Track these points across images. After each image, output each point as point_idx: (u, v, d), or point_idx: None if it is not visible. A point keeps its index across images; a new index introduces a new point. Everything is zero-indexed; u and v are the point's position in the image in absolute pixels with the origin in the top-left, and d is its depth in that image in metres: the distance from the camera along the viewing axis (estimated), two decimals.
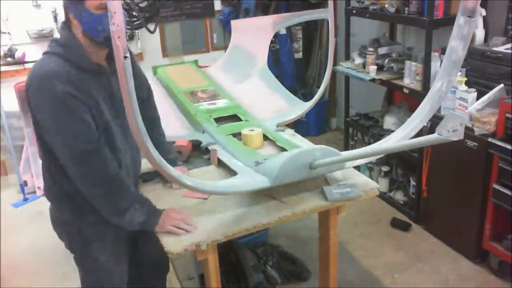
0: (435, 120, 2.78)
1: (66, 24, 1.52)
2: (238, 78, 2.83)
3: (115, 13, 1.05)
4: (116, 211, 1.55)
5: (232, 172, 1.85)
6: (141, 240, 1.90)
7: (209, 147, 2.09)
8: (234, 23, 3.02)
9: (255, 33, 2.89)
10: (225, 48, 4.69)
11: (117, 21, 1.06)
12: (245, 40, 2.92)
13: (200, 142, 2.15)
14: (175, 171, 1.41)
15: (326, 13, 2.48)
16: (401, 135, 1.79)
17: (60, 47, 1.50)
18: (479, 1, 1.53)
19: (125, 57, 1.09)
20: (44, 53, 1.53)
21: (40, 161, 3.82)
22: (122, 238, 1.77)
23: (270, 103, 2.59)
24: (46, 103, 1.43)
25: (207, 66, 3.15)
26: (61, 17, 4.03)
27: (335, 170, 1.81)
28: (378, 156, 1.88)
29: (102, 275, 1.75)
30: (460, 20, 1.57)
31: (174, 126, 2.37)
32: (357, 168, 2.96)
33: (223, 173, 1.93)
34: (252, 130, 2.05)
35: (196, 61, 3.15)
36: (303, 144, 2.14)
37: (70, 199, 1.62)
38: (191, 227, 1.58)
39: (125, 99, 1.14)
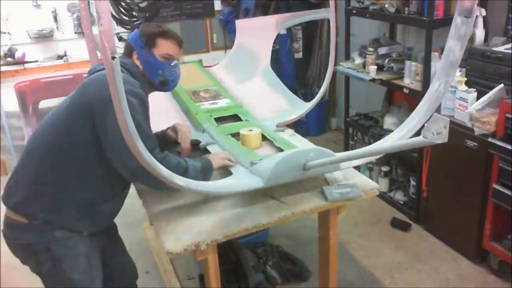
0: None
1: (128, 56, 1.75)
2: (241, 78, 2.83)
3: (102, 14, 1.05)
4: (181, 170, 1.63)
5: (229, 172, 1.85)
6: (107, 253, 1.84)
7: (207, 147, 2.09)
8: (238, 23, 3.02)
9: (258, 33, 2.90)
10: (225, 48, 4.70)
11: (105, 22, 1.06)
12: (248, 40, 2.93)
13: (200, 142, 2.15)
14: (166, 171, 1.40)
15: (327, 13, 2.48)
16: (398, 136, 1.79)
17: (126, 71, 1.67)
18: (476, 1, 1.52)
19: (113, 58, 1.09)
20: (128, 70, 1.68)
21: None
22: (94, 250, 1.71)
23: (271, 103, 2.59)
24: (134, 104, 1.54)
25: (211, 66, 3.16)
26: (62, 17, 4.05)
27: (329, 171, 1.81)
28: (373, 157, 1.88)
29: None
30: (457, 20, 1.57)
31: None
32: (357, 168, 2.96)
33: (220, 173, 1.93)
34: (251, 130, 2.05)
35: (200, 61, 3.16)
36: (302, 144, 2.14)
37: (35, 216, 1.57)
38: (234, 163, 1.85)
39: (114, 98, 1.14)
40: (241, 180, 1.72)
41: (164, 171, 1.38)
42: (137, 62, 1.72)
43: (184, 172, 1.63)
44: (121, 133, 1.23)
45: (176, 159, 1.67)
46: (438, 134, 1.13)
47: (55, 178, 1.59)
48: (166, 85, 1.78)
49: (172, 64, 1.76)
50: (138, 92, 1.59)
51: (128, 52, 1.74)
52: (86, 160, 1.59)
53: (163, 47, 1.74)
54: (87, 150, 1.58)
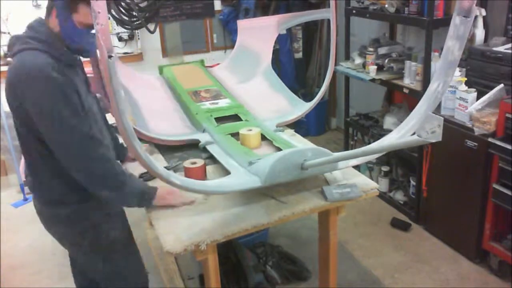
0: None
1: (45, 20, 1.56)
2: (243, 77, 2.83)
3: (99, 12, 1.05)
4: (117, 183, 1.56)
5: (227, 172, 1.85)
6: None
7: (206, 146, 2.10)
8: (240, 23, 3.03)
9: (260, 33, 2.90)
10: (225, 48, 4.70)
11: (102, 21, 1.06)
12: (250, 40, 2.93)
13: (199, 141, 2.15)
14: (163, 169, 1.40)
15: (328, 13, 2.49)
16: (397, 136, 1.79)
17: (43, 43, 1.51)
18: (475, 1, 1.52)
19: (110, 57, 1.09)
20: (23, 50, 1.51)
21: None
22: (123, 209, 1.89)
23: (272, 103, 2.59)
24: (44, 92, 1.44)
25: (212, 66, 3.16)
26: None
27: (327, 171, 1.81)
28: (371, 157, 1.88)
29: (120, 253, 1.80)
30: (456, 20, 1.57)
31: (176, 125, 2.37)
32: (357, 168, 2.96)
33: (219, 173, 1.93)
34: (250, 130, 2.05)
35: (202, 61, 3.15)
36: (302, 144, 2.14)
37: (71, 190, 1.63)
38: (187, 200, 1.70)
39: (111, 98, 1.14)
40: (239, 179, 1.72)
41: (161, 170, 1.37)
42: (53, 22, 1.54)
43: (118, 185, 1.56)
44: (48, 115, 1.39)
45: (117, 169, 1.57)
46: (433, 133, 1.13)
47: (56, 166, 1.58)
48: (81, 53, 1.63)
49: (92, 32, 1.55)
50: (48, 76, 1.44)
51: (48, 9, 1.55)
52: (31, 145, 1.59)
53: (85, 15, 1.50)
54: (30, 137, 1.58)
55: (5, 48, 3.81)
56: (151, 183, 1.74)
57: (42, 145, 1.55)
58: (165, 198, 1.67)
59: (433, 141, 1.15)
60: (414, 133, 1.32)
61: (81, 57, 1.68)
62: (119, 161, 1.86)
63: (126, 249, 1.84)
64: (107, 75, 1.10)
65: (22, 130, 1.57)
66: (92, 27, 1.52)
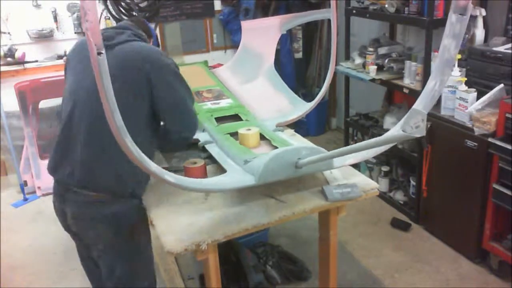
0: (434, 120, 2.78)
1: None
2: (245, 78, 2.84)
3: (88, 10, 1.05)
4: (194, 130, 1.91)
5: (223, 171, 1.86)
6: None
7: (205, 146, 2.10)
8: (243, 24, 3.03)
9: (263, 34, 2.90)
10: (225, 48, 4.70)
11: (91, 18, 1.06)
12: (253, 40, 2.94)
13: (199, 141, 2.16)
14: (156, 167, 1.40)
15: (329, 13, 2.49)
16: (391, 133, 1.79)
17: (142, 39, 1.82)
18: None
19: (100, 54, 1.09)
20: (133, 40, 1.76)
21: (41, 161, 3.80)
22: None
23: (273, 103, 2.60)
24: (172, 70, 1.74)
25: (213, 66, 3.16)
26: (62, 17, 4.04)
27: (323, 169, 1.81)
28: (368, 156, 1.88)
29: (145, 255, 1.88)
30: (452, 18, 1.56)
31: None
32: (357, 168, 2.94)
33: (219, 172, 1.93)
34: (249, 129, 2.05)
35: (206, 62, 3.16)
36: (300, 144, 2.14)
37: (124, 192, 1.71)
38: None
39: (102, 95, 1.14)
40: (234, 177, 1.72)
41: (152, 167, 1.37)
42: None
43: (195, 130, 1.91)
44: (185, 96, 1.76)
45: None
46: (417, 127, 1.13)
47: (116, 149, 1.58)
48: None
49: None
50: (169, 58, 1.79)
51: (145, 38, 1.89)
52: (141, 128, 1.71)
53: None
54: (141, 117, 1.70)
55: (5, 48, 3.81)
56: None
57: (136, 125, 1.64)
58: None
59: (418, 135, 1.15)
60: (430, 132, 1.33)
61: None
62: None
63: (147, 253, 1.88)
64: (96, 72, 1.11)
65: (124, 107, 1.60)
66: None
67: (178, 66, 1.81)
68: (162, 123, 1.84)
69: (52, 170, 1.75)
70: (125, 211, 1.72)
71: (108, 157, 1.65)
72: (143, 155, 1.34)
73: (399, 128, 1.74)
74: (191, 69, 3.06)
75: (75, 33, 4.10)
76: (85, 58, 1.68)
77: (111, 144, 1.54)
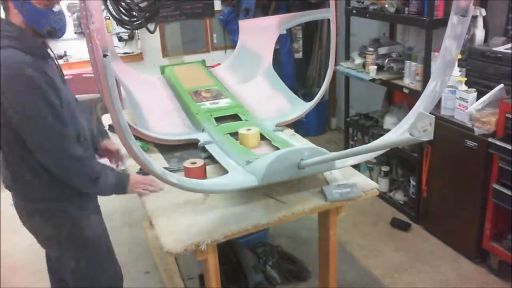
0: (435, 120, 2.78)
1: (6, 16, 1.55)
2: (244, 78, 2.84)
3: (94, 12, 1.05)
4: (90, 179, 1.63)
5: (224, 171, 1.86)
6: None
7: (205, 146, 2.10)
8: (241, 23, 3.03)
9: (261, 33, 2.91)
10: (225, 48, 4.70)
11: (97, 20, 1.06)
12: (251, 40, 2.94)
13: (199, 141, 2.16)
14: (159, 168, 1.40)
15: (328, 13, 2.49)
16: (395, 135, 1.79)
17: (13, 40, 1.50)
18: (472, 0, 1.52)
19: (105, 56, 1.09)
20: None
21: None
22: (98, 205, 1.89)
23: (272, 103, 2.60)
24: (20, 90, 1.46)
25: (213, 66, 3.16)
26: None
27: (324, 170, 1.81)
28: (368, 156, 1.88)
29: (95, 250, 1.80)
30: (453, 19, 1.57)
31: (176, 125, 2.37)
32: (357, 168, 2.94)
33: (219, 173, 1.93)
34: (249, 129, 2.05)
35: (203, 61, 3.16)
36: (299, 143, 2.14)
37: (49, 187, 1.66)
38: (157, 187, 1.80)
39: (106, 97, 1.14)
40: (236, 178, 1.72)
41: (156, 169, 1.38)
42: (15, 16, 1.52)
43: (93, 181, 1.63)
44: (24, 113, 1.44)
45: (91, 166, 1.63)
46: (424, 131, 1.13)
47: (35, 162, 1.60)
48: (54, 34, 1.59)
49: (55, 10, 1.56)
50: (23, 74, 1.45)
51: (4, 5, 1.54)
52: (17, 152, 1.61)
53: None
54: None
55: None
56: None
57: (21, 143, 1.56)
58: (136, 187, 1.78)
59: (425, 139, 1.15)
60: None
61: (65, 55, 1.73)
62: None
63: (100, 248, 1.83)
64: (102, 73, 1.11)
65: (1, 128, 1.58)
66: (52, 5, 1.54)
67: (38, 83, 1.48)
68: None
69: None
70: (58, 205, 1.70)
71: (22, 165, 1.64)
72: (146, 156, 1.34)
73: (404, 131, 1.74)
74: (189, 68, 3.06)
75: (75, 33, 4.10)
76: None
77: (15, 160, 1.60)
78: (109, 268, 1.87)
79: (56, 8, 1.56)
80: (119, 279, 1.93)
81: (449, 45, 1.61)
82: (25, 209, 1.74)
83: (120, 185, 1.72)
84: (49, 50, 1.66)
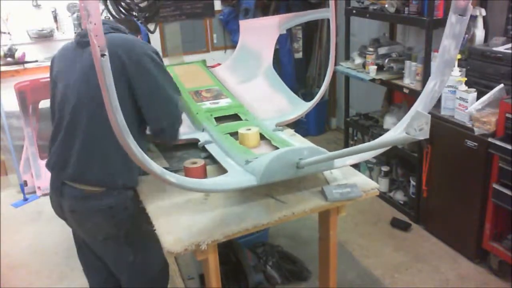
0: (434, 120, 2.78)
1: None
2: (244, 77, 2.84)
3: (91, 12, 1.06)
4: (179, 124, 1.90)
5: (224, 171, 1.86)
6: None
7: (205, 146, 2.10)
8: (242, 23, 3.03)
9: (261, 33, 2.91)
10: (225, 48, 4.70)
11: (94, 20, 1.06)
12: (251, 40, 2.94)
13: (199, 141, 2.16)
14: (158, 167, 1.40)
15: (328, 13, 2.49)
16: (394, 135, 1.79)
17: (120, 31, 1.81)
18: (471, 0, 1.52)
19: (103, 55, 1.10)
20: (115, 31, 1.78)
21: (40, 161, 3.79)
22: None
23: (272, 103, 2.60)
24: (149, 57, 1.70)
25: (213, 66, 3.16)
26: (62, 17, 4.05)
27: (323, 169, 1.81)
28: (368, 156, 1.88)
29: (152, 246, 1.89)
30: (452, 18, 1.56)
31: None
32: (357, 168, 2.94)
33: (219, 172, 1.93)
34: (249, 129, 2.05)
35: (204, 61, 3.16)
36: (302, 144, 2.14)
37: (115, 183, 1.72)
38: None
39: (104, 96, 1.15)
40: (235, 178, 1.72)
41: (156, 168, 1.37)
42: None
43: (180, 123, 1.89)
44: (164, 84, 1.72)
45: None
46: (420, 130, 1.13)
47: (109, 142, 1.62)
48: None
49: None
50: (150, 47, 1.76)
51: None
52: (127, 118, 1.65)
53: None
54: (125, 108, 1.63)
55: (5, 48, 3.81)
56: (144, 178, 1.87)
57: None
58: None
59: (421, 138, 1.15)
60: (431, 132, 1.33)
61: None
62: None
63: (157, 242, 1.86)
64: (100, 73, 1.11)
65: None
66: None
67: (161, 57, 1.79)
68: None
69: (49, 165, 1.79)
70: (120, 203, 1.74)
71: (99, 152, 1.69)
72: (145, 155, 1.34)
73: (402, 130, 1.74)
74: (189, 68, 3.05)
75: (75, 33, 4.10)
76: (78, 60, 1.72)
77: (103, 139, 1.64)
78: (161, 260, 1.96)
79: None
80: (167, 272, 2.03)
81: (448, 45, 1.61)
82: (85, 207, 1.74)
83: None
84: None
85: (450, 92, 2.67)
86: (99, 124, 1.64)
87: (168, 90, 1.76)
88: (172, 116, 1.82)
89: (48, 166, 1.80)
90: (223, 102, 2.47)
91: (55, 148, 1.77)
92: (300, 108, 2.51)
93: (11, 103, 3.70)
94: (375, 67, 3.33)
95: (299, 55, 4.88)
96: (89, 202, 1.72)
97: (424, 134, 1.14)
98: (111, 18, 3.95)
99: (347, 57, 3.75)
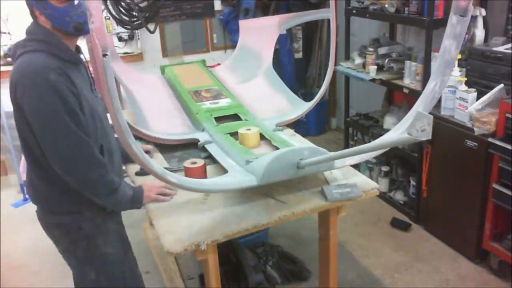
0: (434, 120, 2.78)
1: (35, 20, 1.54)
2: (244, 77, 2.84)
3: (94, 12, 1.06)
4: (109, 190, 1.58)
5: (224, 170, 1.86)
6: None
7: (205, 146, 2.10)
8: (241, 23, 3.04)
9: (261, 33, 2.91)
10: (225, 48, 4.70)
11: (96, 20, 1.07)
12: (251, 40, 2.94)
13: (199, 141, 2.16)
14: (159, 167, 1.40)
15: (328, 13, 2.49)
16: (394, 135, 1.79)
17: (41, 43, 1.51)
18: (471, 1, 1.52)
19: (105, 55, 1.09)
20: (23, 53, 1.52)
21: None
22: (121, 224, 1.83)
23: (272, 103, 2.60)
24: (40, 95, 1.44)
25: (213, 66, 3.17)
26: None
27: (324, 169, 1.81)
28: (368, 156, 1.88)
29: (113, 268, 1.76)
30: (452, 19, 1.57)
31: (176, 124, 2.37)
32: (357, 168, 2.94)
33: (219, 172, 1.93)
34: (249, 129, 2.05)
35: (203, 61, 3.16)
36: (302, 144, 2.14)
37: (63, 199, 1.63)
38: (173, 191, 1.76)
39: (106, 96, 1.15)
40: (236, 178, 1.72)
41: (156, 168, 1.38)
42: (42, 19, 1.52)
43: (111, 192, 1.58)
44: (41, 119, 1.42)
45: (110, 176, 1.58)
46: (423, 131, 1.13)
47: (34, 172, 1.62)
48: (81, 29, 1.53)
49: (75, 3, 1.50)
50: (44, 79, 1.44)
51: (31, 12, 1.54)
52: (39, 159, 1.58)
53: None
54: (34, 147, 1.57)
55: (5, 48, 3.81)
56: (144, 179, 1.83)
57: (38, 151, 1.55)
58: (149, 196, 1.73)
59: (423, 139, 1.15)
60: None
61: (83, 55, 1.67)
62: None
63: (121, 263, 1.79)
64: (101, 73, 1.11)
65: (21, 133, 1.58)
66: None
67: (60, 89, 1.46)
68: None
69: None
70: (72, 222, 1.67)
71: (34, 177, 1.65)
72: (146, 156, 1.35)
73: (404, 131, 1.74)
74: (189, 68, 3.06)
75: None
76: None
77: (31, 168, 1.60)
78: (131, 285, 1.83)
79: (75, 2, 1.50)
80: None
81: (449, 45, 1.61)
82: (45, 221, 1.74)
83: (137, 197, 1.68)
84: (82, 56, 1.64)
85: (450, 92, 2.67)
86: (25, 153, 1.61)
87: (59, 136, 1.48)
88: (78, 175, 1.54)
89: None
90: (223, 102, 2.47)
91: None
92: (300, 108, 2.51)
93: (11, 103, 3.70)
94: (375, 67, 3.33)
95: (299, 55, 4.87)
96: (47, 215, 1.72)
97: (426, 135, 1.14)
98: (111, 18, 3.96)
99: (347, 57, 3.75)
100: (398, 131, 1.80)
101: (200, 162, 1.87)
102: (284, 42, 4.64)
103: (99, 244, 1.70)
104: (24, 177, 3.83)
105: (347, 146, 4.01)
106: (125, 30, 4.13)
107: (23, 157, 3.81)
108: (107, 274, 1.75)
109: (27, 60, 1.48)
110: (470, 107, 2.56)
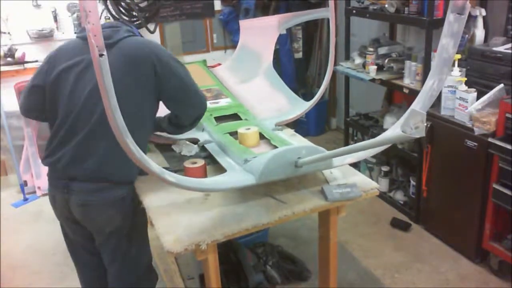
0: (434, 120, 2.78)
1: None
2: (244, 77, 2.84)
3: (90, 11, 1.06)
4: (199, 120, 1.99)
5: (222, 170, 1.86)
6: None
7: (205, 145, 2.10)
8: (242, 23, 3.04)
9: (261, 33, 2.91)
10: (225, 48, 4.70)
11: (93, 20, 1.07)
12: (251, 40, 2.94)
13: (198, 140, 2.16)
14: (157, 166, 1.40)
15: (328, 12, 2.49)
16: (391, 133, 1.79)
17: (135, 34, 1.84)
18: None
19: (101, 55, 1.10)
20: (130, 36, 1.80)
21: (41, 161, 3.81)
22: None
23: (272, 103, 2.60)
24: (174, 58, 1.82)
25: (213, 66, 3.17)
26: (62, 17, 4.05)
27: (322, 168, 1.81)
28: (367, 155, 1.88)
29: (145, 241, 1.99)
30: (450, 17, 1.57)
31: None
32: (357, 167, 2.94)
33: (219, 172, 1.93)
34: (249, 129, 2.05)
35: (204, 61, 3.17)
36: (300, 143, 2.14)
37: (132, 168, 1.72)
38: None
39: (103, 95, 1.15)
40: (234, 177, 1.72)
41: (155, 168, 1.37)
42: None
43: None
44: (189, 80, 1.83)
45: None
46: (416, 128, 1.14)
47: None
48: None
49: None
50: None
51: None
52: (142, 120, 1.78)
53: None
54: (143, 111, 1.77)
55: (5, 48, 3.81)
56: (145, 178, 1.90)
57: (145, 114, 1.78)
58: None
59: (417, 136, 1.16)
60: (430, 131, 1.33)
61: None
62: None
63: (146, 235, 1.98)
64: (98, 73, 1.11)
65: (128, 106, 1.62)
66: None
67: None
68: (172, 112, 1.95)
69: (50, 161, 1.77)
70: (129, 194, 1.81)
71: (113, 148, 1.64)
72: (143, 155, 1.34)
73: (399, 129, 1.75)
74: (190, 68, 3.04)
75: (75, 33, 4.10)
76: (86, 52, 1.69)
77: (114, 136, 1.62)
78: (149, 255, 2.03)
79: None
80: (153, 268, 2.08)
81: (446, 44, 1.61)
82: (97, 200, 1.75)
83: None
84: None
85: (450, 92, 2.67)
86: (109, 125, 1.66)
87: (193, 85, 1.88)
88: (203, 106, 1.94)
89: (53, 164, 1.76)
90: (223, 101, 2.47)
91: (54, 143, 1.75)
92: (300, 107, 2.51)
93: (11, 103, 3.69)
94: (375, 67, 3.33)
95: (299, 55, 4.88)
96: (103, 193, 1.74)
97: (419, 133, 1.14)
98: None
99: (347, 57, 3.75)
100: (397, 128, 1.79)
101: (200, 162, 1.87)
102: (284, 42, 4.64)
103: (140, 215, 1.86)
104: (24, 177, 3.85)
105: (347, 146, 4.00)
106: None
107: (23, 158, 3.85)
108: (139, 245, 1.93)
109: (145, 40, 1.82)
110: (470, 107, 2.56)
